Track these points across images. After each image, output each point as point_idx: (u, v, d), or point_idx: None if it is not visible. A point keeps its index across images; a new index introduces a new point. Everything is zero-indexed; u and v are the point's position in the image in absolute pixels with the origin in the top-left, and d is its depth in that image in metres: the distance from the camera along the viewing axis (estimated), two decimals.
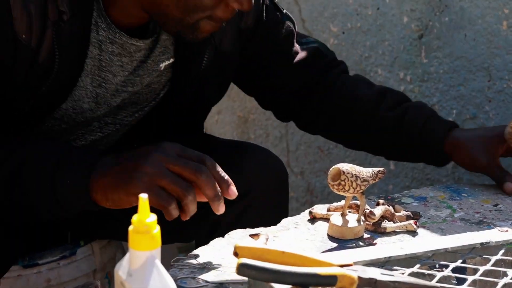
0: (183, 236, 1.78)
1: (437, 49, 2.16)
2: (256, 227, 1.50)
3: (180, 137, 1.77)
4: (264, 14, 1.77)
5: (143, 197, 1.00)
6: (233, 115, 2.58)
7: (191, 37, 1.48)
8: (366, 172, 1.44)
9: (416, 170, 2.26)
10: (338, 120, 1.87)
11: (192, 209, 1.27)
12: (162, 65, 1.63)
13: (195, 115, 1.79)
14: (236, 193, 1.30)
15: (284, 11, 1.82)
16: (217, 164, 1.31)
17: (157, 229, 1.02)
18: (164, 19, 1.47)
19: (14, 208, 1.42)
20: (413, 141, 1.80)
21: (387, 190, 2.32)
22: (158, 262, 1.02)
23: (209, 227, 1.68)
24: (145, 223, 1.00)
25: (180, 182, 1.26)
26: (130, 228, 1.01)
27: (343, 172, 1.40)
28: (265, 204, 1.68)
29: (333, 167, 1.42)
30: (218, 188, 1.28)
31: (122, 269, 1.02)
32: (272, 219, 1.56)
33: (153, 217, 1.01)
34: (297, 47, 1.84)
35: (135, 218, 1.01)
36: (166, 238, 1.77)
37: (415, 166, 2.26)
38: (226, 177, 1.30)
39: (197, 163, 1.29)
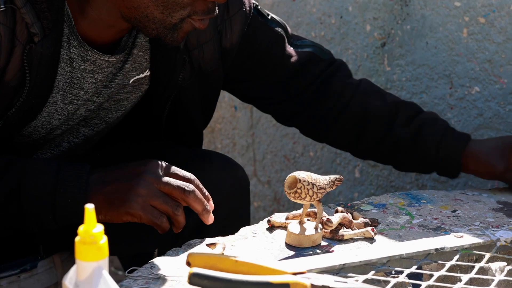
0: (145, 245, 1.78)
1: (399, 57, 2.17)
2: (219, 234, 1.50)
3: (145, 146, 1.78)
4: (248, 27, 1.76)
5: (89, 208, 1.00)
6: None
7: (171, 39, 1.48)
8: (323, 179, 1.44)
9: (381, 177, 2.27)
10: (347, 133, 1.87)
11: (181, 223, 1.41)
12: (132, 80, 1.63)
13: (182, 133, 1.80)
14: (213, 206, 1.43)
15: (269, 17, 1.80)
16: (199, 182, 1.43)
17: (103, 240, 1.01)
18: (144, 21, 1.46)
19: (4, 223, 1.45)
20: (429, 156, 1.83)
21: (353, 198, 2.32)
22: (105, 272, 1.02)
23: (171, 236, 1.68)
24: (91, 233, 1.00)
25: (169, 202, 1.39)
26: (77, 238, 1.01)
27: (299, 180, 1.41)
28: (227, 211, 1.69)
29: (290, 175, 1.42)
30: (206, 202, 1.41)
31: (69, 280, 1.02)
32: (234, 227, 1.56)
33: (100, 228, 1.01)
34: (290, 51, 1.82)
35: (81, 228, 1.00)
36: (129, 247, 1.78)
37: (380, 174, 2.27)
38: (207, 193, 1.43)
39: (184, 182, 1.40)
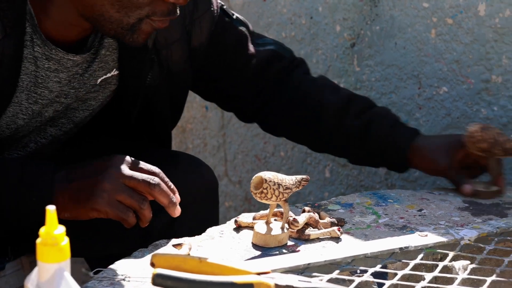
0: (114, 246, 1.78)
1: (368, 58, 2.19)
2: (187, 235, 1.50)
3: (113, 146, 1.78)
4: (215, 27, 1.78)
5: (50, 209, 1.00)
6: None
7: (131, 40, 1.47)
8: (289, 179, 1.45)
9: (350, 177, 2.28)
10: (303, 126, 1.91)
11: (147, 217, 1.40)
12: (99, 80, 1.63)
13: (152, 133, 1.81)
14: (180, 199, 1.42)
15: (234, 16, 1.83)
16: (164, 175, 1.42)
17: (65, 241, 1.02)
18: (101, 20, 1.45)
19: None
20: (377, 149, 1.86)
21: (323, 197, 2.33)
22: (67, 274, 1.02)
23: (140, 237, 1.68)
24: (52, 235, 1.00)
25: (135, 196, 1.38)
26: (38, 240, 1.01)
27: (265, 180, 1.41)
28: (195, 213, 1.70)
29: (256, 175, 1.43)
30: (171, 195, 1.40)
31: (31, 282, 1.02)
32: (202, 227, 1.57)
33: (61, 229, 1.01)
34: (252, 50, 1.85)
35: (42, 230, 1.01)
36: (97, 249, 1.78)
37: (350, 174, 2.28)
38: (172, 186, 1.42)
39: (148, 175, 1.39)
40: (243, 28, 1.84)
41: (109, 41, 1.60)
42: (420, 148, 1.82)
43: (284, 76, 1.89)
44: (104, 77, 1.63)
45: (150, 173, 1.41)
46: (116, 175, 1.38)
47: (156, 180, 1.39)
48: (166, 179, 1.42)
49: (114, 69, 1.64)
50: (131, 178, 1.39)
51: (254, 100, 1.89)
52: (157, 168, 1.42)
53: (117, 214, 1.38)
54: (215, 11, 1.76)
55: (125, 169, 1.40)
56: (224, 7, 1.80)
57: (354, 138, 1.86)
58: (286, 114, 1.90)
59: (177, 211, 1.42)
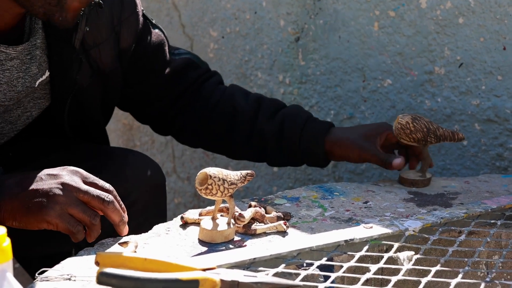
0: (62, 244, 1.77)
1: (313, 51, 2.20)
2: (135, 232, 1.50)
3: (58, 146, 1.76)
4: (140, 28, 1.78)
5: None
6: (118, 122, 2.57)
7: (60, 19, 1.48)
8: (234, 175, 1.45)
9: (298, 171, 2.29)
10: (218, 134, 1.89)
11: (96, 233, 1.40)
12: (37, 83, 1.62)
13: (86, 132, 1.80)
14: (127, 218, 1.43)
15: (153, 20, 1.84)
16: (116, 193, 1.42)
17: (7, 242, 1.01)
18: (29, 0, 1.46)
19: None
20: (294, 148, 1.85)
21: (272, 191, 2.34)
22: (9, 275, 1.01)
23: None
24: None
25: (88, 211, 1.38)
26: None
27: (210, 176, 1.41)
28: (142, 209, 1.69)
29: (201, 171, 1.43)
30: (122, 213, 1.41)
31: None
32: (150, 224, 1.57)
33: (2, 230, 1.00)
34: (168, 56, 1.86)
35: None
36: (45, 246, 1.76)
37: (297, 168, 2.29)
38: (123, 205, 1.43)
39: (102, 192, 1.39)
40: (160, 33, 1.85)
41: (39, 42, 1.59)
42: (338, 140, 1.82)
43: (199, 85, 1.89)
44: (41, 79, 1.63)
45: (104, 189, 1.41)
46: (70, 188, 1.38)
47: (110, 197, 1.39)
48: (118, 197, 1.43)
49: (46, 70, 1.63)
50: (85, 193, 1.38)
51: (168, 108, 1.88)
52: (110, 185, 1.42)
53: (67, 227, 1.37)
54: (140, 13, 1.78)
55: (80, 183, 1.39)
56: (143, 10, 1.81)
57: (270, 140, 1.86)
58: (200, 124, 1.89)
59: (125, 230, 1.42)
